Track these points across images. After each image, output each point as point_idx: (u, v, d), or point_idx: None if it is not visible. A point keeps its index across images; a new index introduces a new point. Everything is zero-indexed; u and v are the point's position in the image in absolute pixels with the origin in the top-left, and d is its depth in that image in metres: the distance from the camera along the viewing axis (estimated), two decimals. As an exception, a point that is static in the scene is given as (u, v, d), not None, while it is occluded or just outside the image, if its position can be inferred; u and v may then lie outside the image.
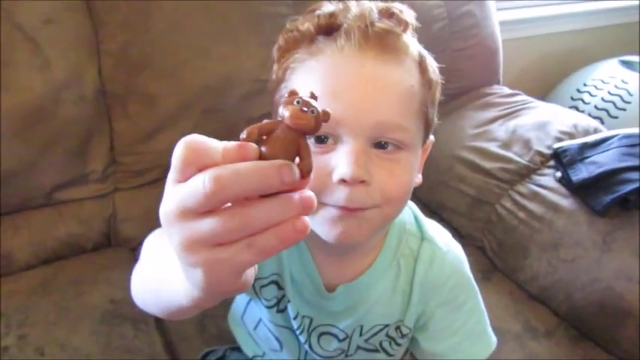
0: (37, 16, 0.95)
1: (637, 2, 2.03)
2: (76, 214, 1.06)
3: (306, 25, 0.54)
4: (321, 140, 0.51)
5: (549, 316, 1.01)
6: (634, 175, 0.98)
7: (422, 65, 0.55)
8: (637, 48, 1.90)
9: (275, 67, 0.57)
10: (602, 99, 1.72)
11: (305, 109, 0.32)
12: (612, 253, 0.95)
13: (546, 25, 1.91)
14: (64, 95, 0.97)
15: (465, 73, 1.35)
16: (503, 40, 1.41)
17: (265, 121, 0.32)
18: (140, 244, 1.14)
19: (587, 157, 1.06)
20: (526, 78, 1.92)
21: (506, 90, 1.38)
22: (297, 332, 0.66)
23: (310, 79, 0.52)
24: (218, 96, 1.08)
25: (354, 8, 0.53)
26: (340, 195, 0.51)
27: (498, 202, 1.14)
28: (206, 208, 0.30)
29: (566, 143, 1.11)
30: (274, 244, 0.31)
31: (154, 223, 1.25)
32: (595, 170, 1.02)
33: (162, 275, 0.42)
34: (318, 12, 0.54)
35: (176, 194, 0.31)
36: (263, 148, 0.31)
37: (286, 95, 0.33)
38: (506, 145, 1.18)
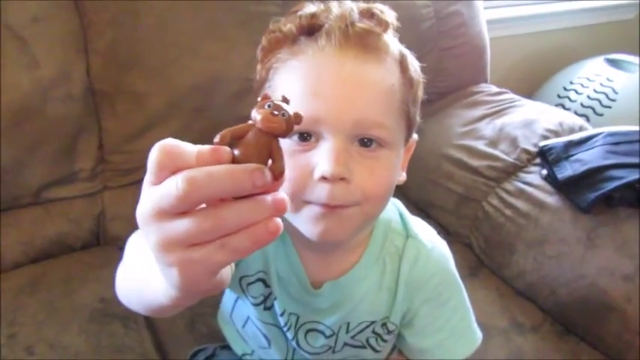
0: (25, 14, 0.95)
1: (622, 1, 2.06)
2: (65, 213, 1.05)
3: (288, 25, 0.55)
4: (303, 138, 0.52)
5: (535, 312, 1.03)
6: (618, 172, 1.00)
7: (403, 64, 0.56)
8: (622, 46, 1.92)
9: (259, 67, 0.58)
10: (588, 97, 1.75)
11: (276, 112, 0.33)
12: (596, 249, 0.97)
13: (533, 24, 1.93)
14: (52, 93, 0.97)
15: (453, 72, 1.36)
16: (491, 39, 1.42)
17: (239, 125, 0.33)
18: (129, 242, 1.14)
19: (573, 155, 1.07)
20: (513, 76, 1.94)
21: (494, 88, 1.39)
22: (285, 329, 0.66)
23: (292, 78, 0.53)
24: (207, 95, 1.08)
25: (335, 9, 0.54)
26: (321, 192, 0.51)
27: (485, 199, 1.15)
28: (180, 210, 0.31)
29: (552, 141, 1.13)
30: (247, 245, 0.32)
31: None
32: (580, 168, 1.03)
33: (143, 275, 0.42)
34: (300, 13, 0.55)
35: (151, 196, 0.32)
36: (236, 151, 0.32)
37: (259, 99, 0.34)
38: (493, 143, 1.19)
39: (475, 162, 1.18)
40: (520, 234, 1.07)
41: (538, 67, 1.99)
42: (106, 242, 1.11)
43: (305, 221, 0.54)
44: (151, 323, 0.95)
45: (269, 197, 0.32)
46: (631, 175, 0.98)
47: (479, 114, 1.28)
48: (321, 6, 0.55)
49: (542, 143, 1.13)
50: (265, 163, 0.32)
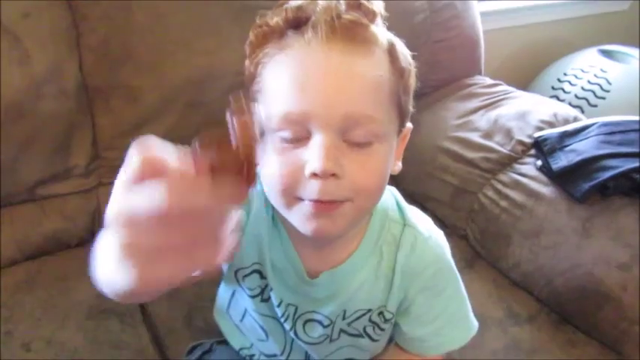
0: (16, 10, 0.94)
1: (615, -8, 2.06)
2: (60, 210, 1.05)
3: (275, 19, 0.54)
4: (293, 136, 0.52)
5: (531, 302, 1.03)
6: (612, 162, 1.00)
7: (392, 54, 0.55)
8: (615, 37, 1.93)
9: (247, 62, 0.58)
10: (582, 88, 1.75)
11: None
12: (591, 239, 0.97)
13: (526, 16, 1.93)
14: (45, 89, 0.96)
15: (447, 64, 1.36)
16: (485, 31, 1.42)
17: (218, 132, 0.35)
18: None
19: (567, 146, 1.07)
20: (507, 69, 1.94)
21: (488, 80, 1.39)
22: (282, 320, 0.66)
23: (280, 73, 0.53)
24: (201, 89, 1.08)
25: (321, 1, 0.53)
26: (313, 189, 0.51)
27: (481, 191, 1.15)
28: (153, 220, 0.31)
29: (547, 132, 1.13)
30: (212, 259, 0.33)
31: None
32: (575, 158, 1.03)
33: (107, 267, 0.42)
34: (286, 6, 0.54)
35: (127, 200, 0.32)
36: (214, 158, 0.33)
37: (232, 103, 0.35)
38: (488, 135, 1.19)
39: (470, 154, 1.18)
40: (516, 225, 1.07)
41: (532, 59, 1.99)
42: (102, 239, 1.10)
43: (298, 218, 0.54)
44: (147, 319, 0.95)
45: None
46: (625, 165, 0.98)
47: (473, 106, 1.28)
48: None
49: (537, 134, 1.13)
50: (241, 171, 0.34)
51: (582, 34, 2.01)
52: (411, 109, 0.59)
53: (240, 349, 0.77)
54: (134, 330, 0.91)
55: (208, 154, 0.33)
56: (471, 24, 1.37)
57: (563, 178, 1.03)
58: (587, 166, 1.01)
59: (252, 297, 0.67)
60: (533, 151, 1.13)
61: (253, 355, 0.76)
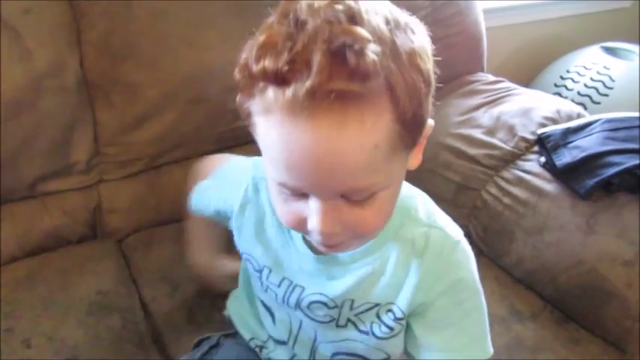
0: (16, 6, 0.94)
1: (618, -11, 2.05)
2: (61, 206, 1.05)
3: (256, 68, 0.46)
4: (292, 190, 0.51)
5: (534, 300, 1.03)
6: (617, 158, 0.99)
7: (393, 92, 0.46)
8: (618, 34, 1.92)
9: (238, 97, 0.52)
10: (585, 85, 1.74)
11: None
12: (596, 235, 0.97)
13: (529, 13, 1.92)
14: (46, 85, 0.96)
15: (449, 61, 1.33)
16: (487, 28, 1.42)
17: None
18: (127, 235, 1.14)
19: (571, 142, 1.07)
20: (509, 66, 1.93)
21: (491, 77, 1.38)
22: (286, 299, 0.66)
23: (268, 140, 0.49)
24: (202, 86, 1.07)
25: (309, 59, 0.44)
26: (316, 238, 0.53)
27: (483, 188, 1.14)
28: None
29: (550, 129, 1.12)
30: None
31: (140, 215, 1.25)
32: (578, 154, 1.03)
33: None
34: (265, 60, 0.45)
35: None
36: None
37: None
38: (490, 131, 1.19)
39: (473, 151, 1.18)
40: (519, 222, 1.07)
41: (534, 56, 1.99)
42: (103, 235, 1.10)
43: (308, 237, 0.58)
44: (148, 315, 0.94)
45: None
46: (630, 161, 0.97)
47: (476, 103, 1.28)
48: (291, 43, 0.44)
49: (541, 130, 1.12)
50: None
51: (585, 31, 2.00)
52: (430, 108, 0.53)
53: (251, 339, 0.76)
54: (135, 326, 0.90)
55: None
56: (473, 21, 1.37)
57: (567, 175, 1.03)
58: (591, 162, 1.01)
59: (257, 271, 0.68)
60: (536, 148, 1.13)
61: (263, 347, 0.75)
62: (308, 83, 0.43)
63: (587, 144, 1.04)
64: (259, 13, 0.58)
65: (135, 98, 1.04)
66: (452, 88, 1.34)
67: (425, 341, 0.64)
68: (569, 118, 1.18)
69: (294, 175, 0.48)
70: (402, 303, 0.62)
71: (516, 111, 1.21)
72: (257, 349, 0.76)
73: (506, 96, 1.28)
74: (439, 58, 0.54)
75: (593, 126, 1.09)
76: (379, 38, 0.45)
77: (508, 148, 1.15)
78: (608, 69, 1.73)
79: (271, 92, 0.46)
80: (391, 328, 0.64)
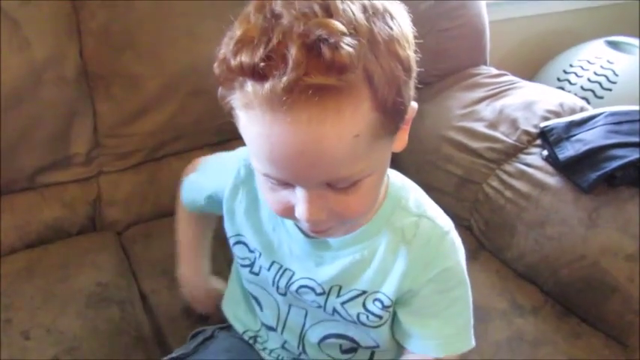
0: (15, -5, 0.93)
1: (622, -17, 2.04)
2: (60, 198, 1.04)
3: (234, 63, 0.46)
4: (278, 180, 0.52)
5: (535, 293, 1.02)
6: (620, 151, 0.99)
7: (371, 81, 0.46)
8: (622, 28, 1.91)
9: (219, 90, 0.51)
10: (589, 79, 1.73)
11: None
12: (598, 229, 0.96)
13: (533, 6, 1.91)
14: (45, 76, 0.96)
15: (452, 54, 1.34)
16: (490, 22, 1.40)
17: None
18: (126, 227, 1.13)
19: (574, 135, 1.06)
20: (513, 60, 1.92)
21: (493, 70, 1.37)
22: (275, 281, 0.67)
23: (249, 134, 0.49)
24: (203, 77, 1.05)
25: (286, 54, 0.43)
26: (304, 224, 0.55)
27: (485, 181, 1.14)
28: None
29: (553, 122, 1.11)
30: None
31: (140, 207, 1.24)
32: (581, 148, 1.02)
33: None
34: (242, 55, 0.45)
35: None
36: None
37: None
38: (493, 125, 1.18)
39: (475, 144, 1.17)
40: (521, 215, 1.06)
41: (538, 50, 1.98)
42: (103, 227, 1.10)
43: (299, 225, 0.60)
44: (147, 307, 0.94)
45: None
46: (633, 155, 0.96)
47: (478, 96, 1.27)
48: (267, 37, 0.44)
49: (543, 124, 1.11)
50: None
51: (589, 25, 1.99)
52: (412, 94, 0.53)
53: (245, 331, 0.77)
54: (134, 318, 0.90)
55: None
56: (476, 13, 1.36)
57: (570, 168, 1.02)
58: (594, 155, 1.00)
59: (243, 267, 0.70)
60: (538, 141, 1.12)
61: (257, 337, 0.76)
62: (285, 79, 0.43)
63: (590, 137, 1.04)
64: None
65: (135, 89, 1.04)
66: (454, 80, 1.33)
67: (410, 329, 0.65)
68: (572, 111, 1.17)
69: (277, 167, 0.49)
70: (389, 290, 0.62)
71: (519, 104, 1.20)
72: (251, 341, 0.77)
73: (508, 89, 1.27)
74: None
75: (596, 119, 1.08)
76: (355, 28, 0.45)
77: (510, 141, 1.14)
78: (611, 63, 1.72)
79: (250, 87, 0.46)
80: (379, 317, 0.64)
